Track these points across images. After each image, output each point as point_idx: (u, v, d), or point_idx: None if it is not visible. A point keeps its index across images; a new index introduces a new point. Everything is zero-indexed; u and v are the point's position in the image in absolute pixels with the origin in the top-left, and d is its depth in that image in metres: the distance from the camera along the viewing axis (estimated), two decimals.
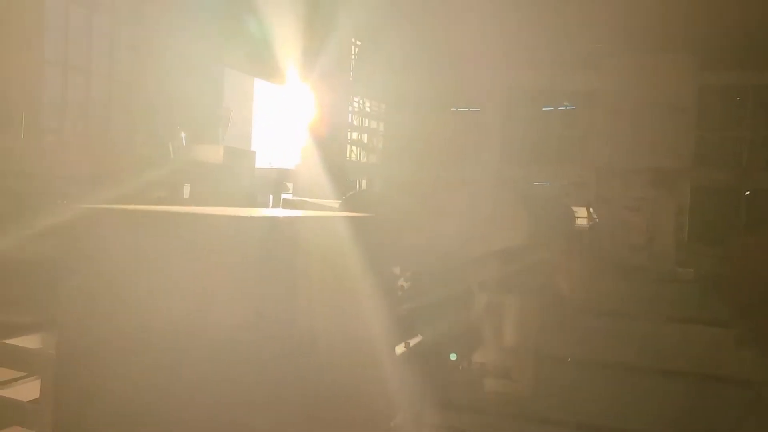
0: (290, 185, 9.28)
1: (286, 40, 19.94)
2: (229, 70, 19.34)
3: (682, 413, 1.72)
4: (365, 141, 25.90)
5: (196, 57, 16.91)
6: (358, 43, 27.12)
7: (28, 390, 2.44)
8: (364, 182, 25.26)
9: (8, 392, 2.50)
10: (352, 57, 26.70)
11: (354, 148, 25.78)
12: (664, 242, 4.25)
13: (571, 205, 4.74)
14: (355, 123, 25.78)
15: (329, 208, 3.34)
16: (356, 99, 25.51)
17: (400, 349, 1.30)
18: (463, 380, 1.51)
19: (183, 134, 4.92)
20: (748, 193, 15.92)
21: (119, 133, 5.24)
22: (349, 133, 25.59)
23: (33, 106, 12.99)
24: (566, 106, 20.91)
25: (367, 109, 25.89)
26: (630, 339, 3.99)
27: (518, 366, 1.48)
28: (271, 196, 7.05)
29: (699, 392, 2.61)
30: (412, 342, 1.44)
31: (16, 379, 2.60)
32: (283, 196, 7.02)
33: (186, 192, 5.11)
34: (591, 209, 4.32)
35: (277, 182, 6.75)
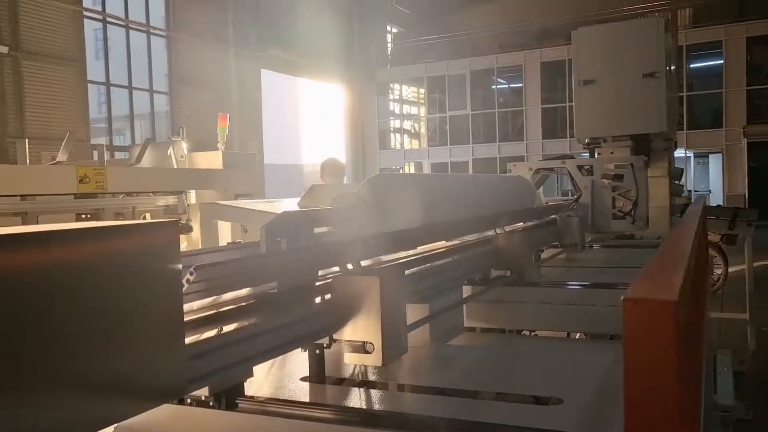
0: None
1: (320, 33, 20.38)
2: (264, 71, 19.96)
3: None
4: (407, 127, 26.03)
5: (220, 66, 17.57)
6: (394, 30, 27.26)
7: None
8: (410, 167, 25.46)
9: None
10: (389, 44, 26.87)
11: (396, 135, 25.99)
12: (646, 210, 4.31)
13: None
14: (395, 111, 25.97)
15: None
16: (395, 86, 25.69)
17: None
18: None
19: (184, 144, 5.26)
20: None
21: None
22: (391, 121, 25.85)
23: (78, 122, 13.91)
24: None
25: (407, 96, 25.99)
26: None
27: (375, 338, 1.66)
28: None
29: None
30: None
31: None
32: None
33: (192, 197, 5.44)
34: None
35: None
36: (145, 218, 5.77)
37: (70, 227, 1.17)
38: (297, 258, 1.62)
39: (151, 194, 5.52)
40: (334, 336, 1.74)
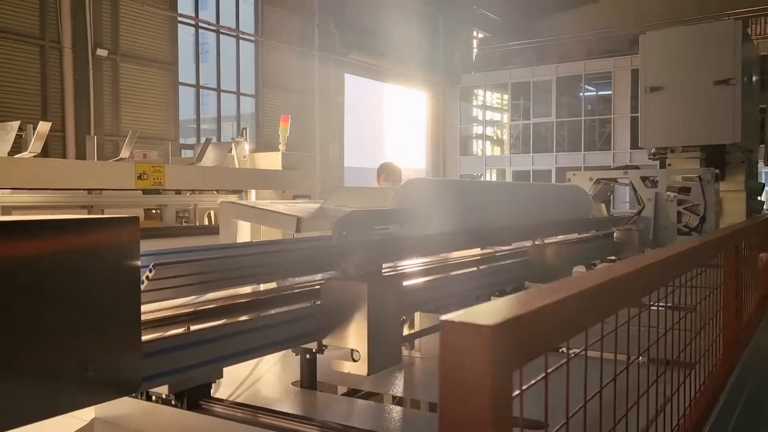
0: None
1: (404, 39, 20.47)
2: (348, 75, 20.26)
3: None
4: (489, 134, 25.66)
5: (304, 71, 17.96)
6: (480, 35, 26.96)
7: None
8: (492, 174, 25.10)
9: None
10: (474, 49, 26.61)
11: (478, 141, 25.68)
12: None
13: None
14: (478, 117, 25.66)
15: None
16: (479, 91, 25.40)
17: None
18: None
19: (246, 144, 5.40)
20: None
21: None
22: (473, 127, 25.57)
23: (169, 122, 14.66)
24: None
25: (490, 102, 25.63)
26: None
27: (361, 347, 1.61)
28: None
29: None
30: None
31: None
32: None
33: (252, 195, 5.57)
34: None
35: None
36: (210, 214, 5.96)
37: (30, 219, 1.20)
38: (277, 260, 1.61)
39: (214, 192, 5.71)
40: (324, 342, 1.70)
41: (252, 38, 17.24)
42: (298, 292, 1.77)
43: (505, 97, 24.69)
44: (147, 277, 1.32)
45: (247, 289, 1.79)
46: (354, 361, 1.66)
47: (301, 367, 1.77)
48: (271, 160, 5.57)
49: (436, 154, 24.66)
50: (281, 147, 5.62)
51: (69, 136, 12.53)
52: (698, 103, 4.11)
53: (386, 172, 5.95)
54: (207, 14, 16.68)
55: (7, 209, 3.92)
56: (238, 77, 17.17)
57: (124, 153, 4.55)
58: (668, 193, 4.30)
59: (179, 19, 15.25)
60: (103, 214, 4.57)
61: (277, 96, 17.77)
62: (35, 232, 1.14)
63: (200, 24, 16.17)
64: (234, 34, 16.89)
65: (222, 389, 1.59)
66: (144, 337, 1.31)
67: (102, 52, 12.88)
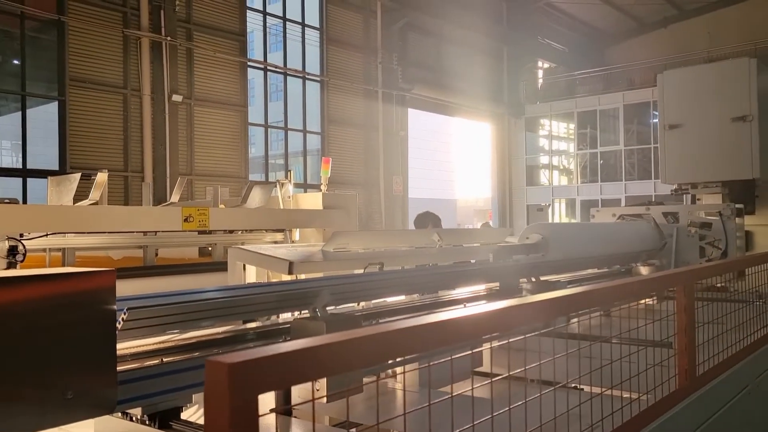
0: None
1: (467, 73, 20.78)
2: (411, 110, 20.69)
3: None
4: (556, 164, 25.37)
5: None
6: (545, 65, 26.89)
7: None
8: (560, 203, 24.76)
9: None
10: (540, 80, 26.55)
11: (545, 171, 25.43)
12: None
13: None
14: (544, 146, 25.46)
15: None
16: (545, 121, 25.24)
17: None
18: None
19: (290, 185, 5.78)
20: None
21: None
22: (540, 157, 25.38)
23: (240, 161, 15.48)
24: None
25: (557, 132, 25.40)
26: None
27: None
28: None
29: None
30: None
31: None
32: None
33: (296, 234, 5.93)
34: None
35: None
36: None
37: (25, 274, 1.54)
38: (240, 302, 1.88)
39: (263, 231, 6.12)
40: None
41: (317, 78, 18.01)
42: (272, 329, 2.04)
43: (572, 126, 24.41)
44: (122, 319, 1.63)
45: (231, 326, 2.07)
46: (317, 390, 1.90)
47: (275, 394, 2.03)
48: (313, 200, 5.93)
49: (502, 184, 24.59)
50: (323, 188, 5.98)
51: (147, 177, 13.49)
52: (716, 139, 4.14)
53: (433, 222, 6.16)
54: (275, 57, 17.61)
55: (71, 250, 4.44)
56: (305, 115, 17.93)
57: (174, 197, 5.03)
58: (690, 228, 4.32)
59: (249, 63, 16.20)
60: (156, 254, 5.03)
61: (341, 132, 18.42)
62: (27, 283, 1.47)
63: (268, 67, 17.08)
64: (300, 75, 17.71)
65: (193, 413, 1.86)
66: (121, 368, 1.61)
67: (177, 98, 13.87)
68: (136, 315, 1.64)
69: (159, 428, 1.66)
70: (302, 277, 2.84)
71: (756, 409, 2.64)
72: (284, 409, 2.08)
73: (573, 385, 1.83)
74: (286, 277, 2.91)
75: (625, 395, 1.88)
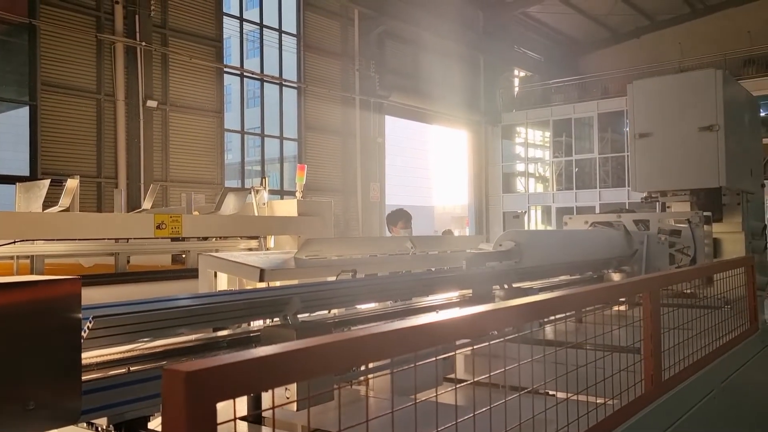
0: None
1: (444, 81, 20.92)
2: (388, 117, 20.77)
3: None
4: (532, 171, 25.62)
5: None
6: (521, 74, 27.19)
7: None
8: (538, 210, 25.00)
9: None
10: (516, 89, 26.83)
11: (521, 178, 25.67)
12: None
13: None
14: (520, 154, 25.71)
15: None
16: (521, 129, 25.50)
17: None
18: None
19: (265, 192, 5.76)
20: None
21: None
22: (516, 164, 25.62)
23: (216, 167, 15.36)
24: None
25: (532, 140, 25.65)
26: None
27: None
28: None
29: None
30: None
31: None
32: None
33: (271, 241, 5.90)
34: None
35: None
36: None
37: None
38: (205, 311, 1.87)
39: (238, 238, 6.07)
40: None
41: (295, 85, 17.99)
42: (243, 337, 2.03)
43: (547, 134, 24.70)
44: (88, 327, 1.61)
45: (201, 335, 2.06)
46: (287, 398, 1.89)
47: (247, 401, 2.01)
48: (288, 207, 5.91)
49: (479, 191, 24.77)
50: (298, 195, 5.97)
51: (121, 183, 13.32)
52: (685, 148, 4.23)
53: (404, 219, 6.17)
54: (252, 63, 17.55)
55: (40, 258, 4.37)
56: (281, 122, 17.88)
57: (147, 204, 4.98)
58: (660, 235, 4.40)
59: (225, 69, 16.12)
60: (128, 262, 4.97)
61: (319, 138, 18.40)
62: None
63: (245, 73, 17.01)
64: (278, 81, 17.68)
65: (159, 423, 1.84)
66: (86, 377, 1.59)
67: (152, 103, 13.74)
68: (102, 323, 1.62)
69: None
70: (276, 284, 2.83)
71: (720, 413, 2.69)
72: (254, 417, 2.07)
73: (543, 390, 1.85)
74: (260, 285, 2.90)
75: (591, 400, 1.91)
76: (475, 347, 1.44)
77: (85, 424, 1.65)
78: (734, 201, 4.58)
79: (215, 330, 2.05)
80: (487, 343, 1.52)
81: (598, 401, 1.84)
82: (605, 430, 1.78)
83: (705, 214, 4.28)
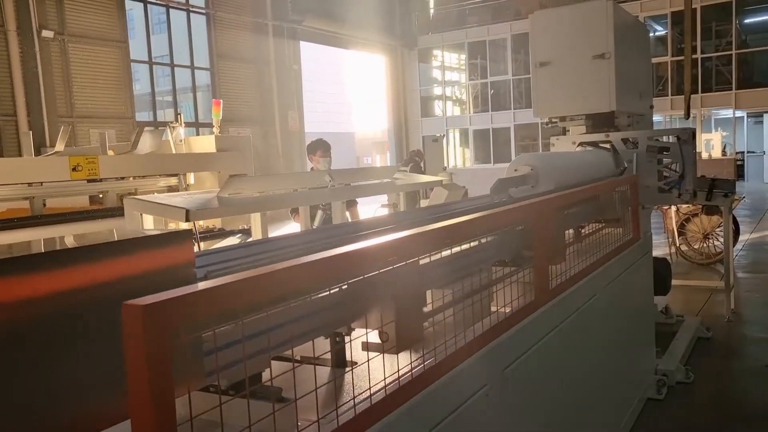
0: None
1: (358, 2, 20.52)
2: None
3: None
4: (449, 95, 25.94)
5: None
6: None
7: None
8: (454, 133, 25.50)
9: None
10: (432, 10, 26.68)
11: (438, 102, 25.99)
12: None
13: None
14: (438, 78, 25.91)
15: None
16: (438, 52, 25.58)
17: None
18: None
19: (182, 129, 5.73)
20: None
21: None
22: (433, 88, 25.86)
23: (124, 101, 14.72)
24: None
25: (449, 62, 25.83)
26: None
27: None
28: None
29: None
30: None
31: None
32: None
33: (191, 178, 5.92)
34: None
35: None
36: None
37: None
38: None
39: (157, 176, 6.05)
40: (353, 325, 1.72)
41: (203, 11, 17.22)
42: None
43: (463, 56, 24.92)
44: None
45: None
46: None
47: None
48: (206, 143, 5.91)
49: (398, 116, 24.96)
50: (215, 130, 5.96)
51: (21, 121, 12.61)
52: (580, 76, 4.54)
53: (323, 148, 6.29)
54: None
55: None
56: (191, 50, 17.20)
57: (59, 146, 4.86)
58: (648, 153, 4.67)
59: None
60: (45, 204, 4.90)
61: (232, 67, 17.86)
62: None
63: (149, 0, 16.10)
64: (184, 8, 16.85)
65: None
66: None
67: (48, 33, 12.88)
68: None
69: None
70: (200, 224, 2.95)
71: (600, 311, 3.13)
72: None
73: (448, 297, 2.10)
74: (184, 225, 3.03)
75: (493, 309, 2.23)
76: (380, 271, 1.66)
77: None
78: (625, 123, 4.99)
79: None
80: (393, 266, 1.75)
81: (492, 309, 2.16)
82: (504, 329, 2.10)
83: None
